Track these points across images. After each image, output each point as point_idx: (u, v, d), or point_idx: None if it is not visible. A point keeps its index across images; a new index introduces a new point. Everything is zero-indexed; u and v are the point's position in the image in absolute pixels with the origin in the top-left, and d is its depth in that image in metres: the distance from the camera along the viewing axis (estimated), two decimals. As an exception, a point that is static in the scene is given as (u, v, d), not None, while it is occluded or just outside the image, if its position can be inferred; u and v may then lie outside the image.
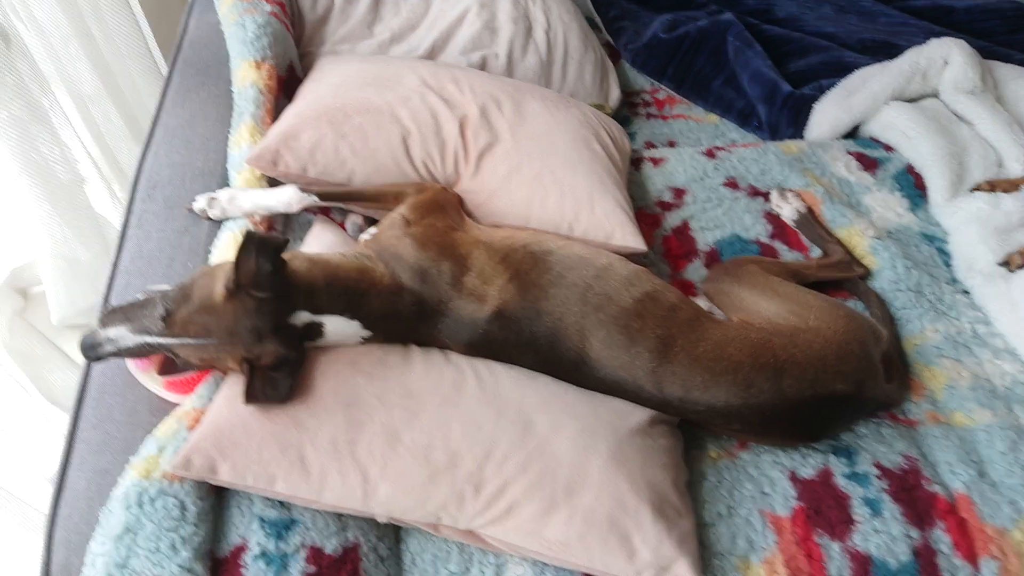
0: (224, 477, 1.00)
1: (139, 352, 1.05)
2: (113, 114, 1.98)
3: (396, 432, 1.03)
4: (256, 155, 1.36)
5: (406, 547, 1.14)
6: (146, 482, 0.99)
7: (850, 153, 1.82)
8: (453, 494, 1.01)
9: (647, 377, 1.15)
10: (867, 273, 1.55)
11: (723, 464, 1.24)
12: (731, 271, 1.40)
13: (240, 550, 1.00)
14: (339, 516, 1.07)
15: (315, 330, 1.09)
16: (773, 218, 1.67)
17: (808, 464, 1.23)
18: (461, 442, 1.03)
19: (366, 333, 1.12)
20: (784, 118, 1.99)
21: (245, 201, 1.35)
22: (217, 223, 1.37)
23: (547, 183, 1.43)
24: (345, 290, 1.11)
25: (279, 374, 1.04)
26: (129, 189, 1.45)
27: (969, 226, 1.61)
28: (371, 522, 1.10)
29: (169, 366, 1.12)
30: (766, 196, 1.70)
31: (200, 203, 1.35)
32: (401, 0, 1.89)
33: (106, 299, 1.27)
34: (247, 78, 1.54)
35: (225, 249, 1.28)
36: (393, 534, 1.15)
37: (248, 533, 1.01)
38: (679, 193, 1.71)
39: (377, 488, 1.01)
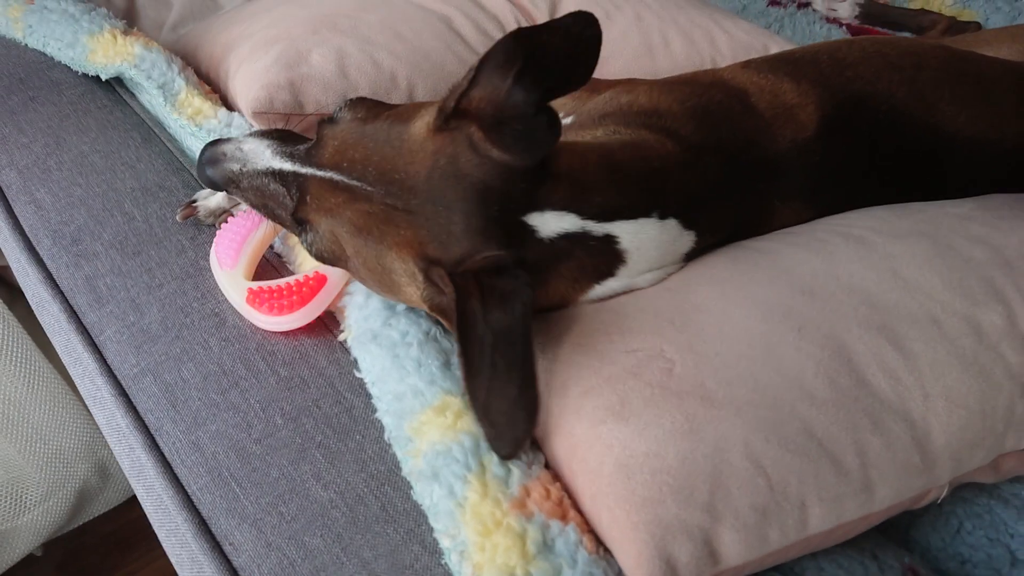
0: (732, 555, 0.52)
1: (260, 191, 0.65)
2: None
3: (894, 333, 0.59)
4: (265, 99, 0.86)
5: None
6: None
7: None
8: (1014, 384, 0.59)
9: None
10: (979, 26, 1.33)
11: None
12: None
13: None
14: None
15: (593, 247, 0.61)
16: (841, 22, 1.41)
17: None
18: (964, 304, 0.61)
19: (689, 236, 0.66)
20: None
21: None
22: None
23: (650, 22, 1.05)
24: (634, 175, 0.64)
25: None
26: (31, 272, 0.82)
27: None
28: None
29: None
30: (808, 4, 1.44)
31: (208, 201, 0.82)
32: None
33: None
34: (123, 51, 0.93)
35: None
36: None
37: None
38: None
39: (930, 434, 0.56)
